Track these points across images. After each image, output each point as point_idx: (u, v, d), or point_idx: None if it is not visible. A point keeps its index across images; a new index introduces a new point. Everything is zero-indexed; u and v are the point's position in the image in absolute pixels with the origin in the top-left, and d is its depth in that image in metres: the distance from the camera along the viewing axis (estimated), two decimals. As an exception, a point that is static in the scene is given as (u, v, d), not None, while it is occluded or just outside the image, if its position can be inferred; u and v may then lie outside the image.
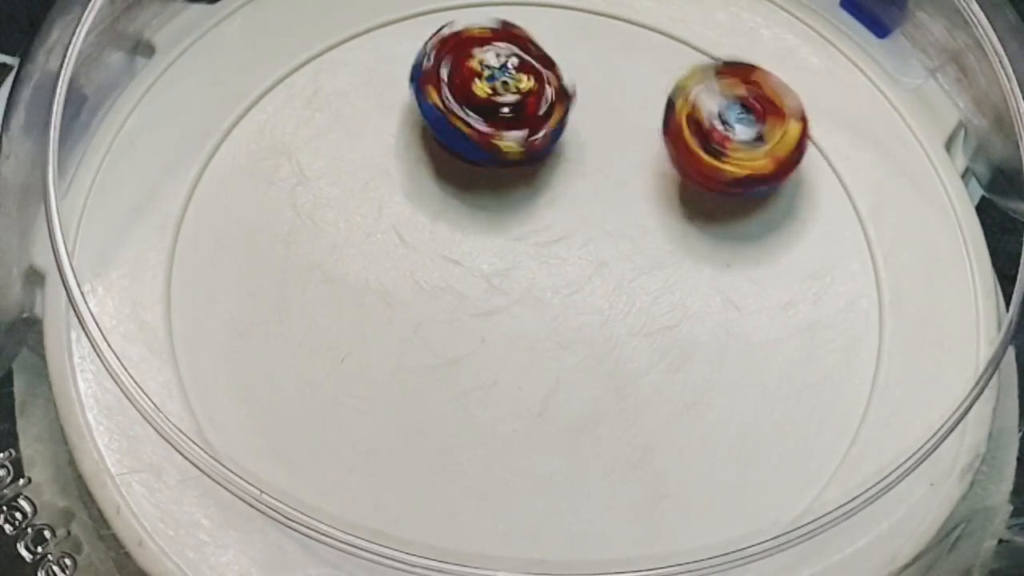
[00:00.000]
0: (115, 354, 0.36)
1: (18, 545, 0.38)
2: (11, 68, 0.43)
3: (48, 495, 0.40)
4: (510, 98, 0.41)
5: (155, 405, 0.36)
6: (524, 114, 0.42)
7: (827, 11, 0.47)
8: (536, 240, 0.43)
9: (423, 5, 0.45)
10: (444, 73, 0.42)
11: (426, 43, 0.42)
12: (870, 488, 0.36)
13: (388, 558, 0.35)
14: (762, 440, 0.40)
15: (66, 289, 0.38)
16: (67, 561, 0.38)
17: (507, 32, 0.43)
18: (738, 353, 0.42)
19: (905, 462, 0.37)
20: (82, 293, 0.38)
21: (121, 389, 0.36)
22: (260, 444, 0.39)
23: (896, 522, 0.38)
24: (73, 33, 0.40)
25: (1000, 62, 0.42)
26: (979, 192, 0.46)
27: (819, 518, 0.36)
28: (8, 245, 0.41)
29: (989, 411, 0.40)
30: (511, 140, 0.41)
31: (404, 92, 0.44)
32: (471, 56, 0.42)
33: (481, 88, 0.41)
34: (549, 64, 0.43)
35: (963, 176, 0.45)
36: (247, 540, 0.37)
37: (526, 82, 0.42)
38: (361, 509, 0.38)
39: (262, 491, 0.34)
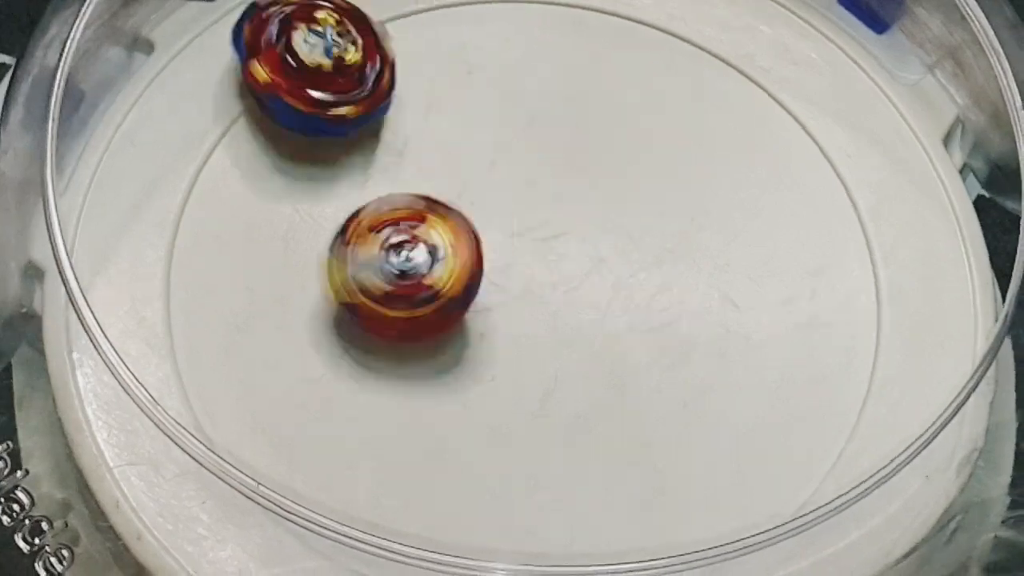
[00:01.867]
0: (114, 349, 0.36)
1: (16, 536, 0.38)
2: (10, 68, 0.43)
3: (46, 487, 0.40)
4: (326, 60, 0.41)
5: (153, 398, 0.36)
6: (335, 79, 0.41)
7: (825, 7, 0.47)
8: (534, 236, 0.43)
9: (419, 3, 0.45)
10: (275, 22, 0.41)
11: None
12: (865, 481, 0.36)
13: (386, 550, 0.34)
14: (760, 436, 0.40)
15: (65, 285, 0.38)
16: (64, 552, 0.38)
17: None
18: (737, 350, 0.42)
19: (900, 454, 0.37)
20: (81, 289, 0.38)
21: (120, 383, 0.36)
22: (259, 440, 0.39)
23: (892, 515, 0.38)
24: (71, 28, 0.40)
25: (997, 57, 0.42)
26: (977, 188, 0.46)
27: (814, 511, 0.36)
28: (7, 240, 0.41)
29: (986, 404, 0.40)
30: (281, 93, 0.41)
31: (400, 89, 0.44)
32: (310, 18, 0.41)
33: (299, 42, 0.41)
34: (389, 62, 0.42)
35: (961, 172, 0.45)
36: (245, 535, 0.37)
37: (352, 53, 0.41)
38: (359, 505, 0.38)
39: (259, 483, 0.34)
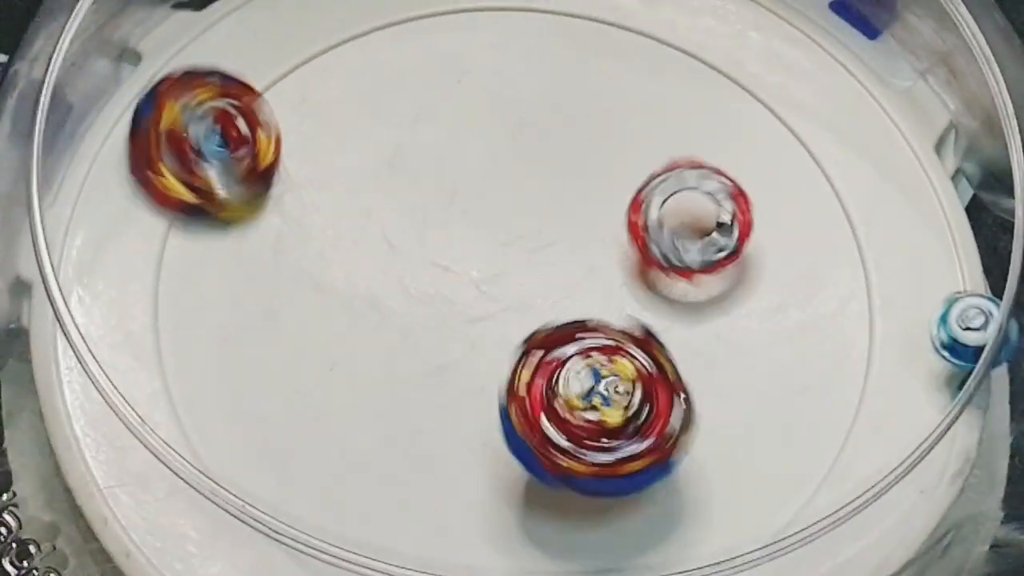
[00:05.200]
0: (100, 366, 0.36)
1: (3, 560, 0.38)
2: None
3: (33, 509, 0.40)
4: (594, 416, 0.35)
5: (140, 417, 0.36)
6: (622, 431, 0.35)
7: (816, 13, 0.47)
8: (525, 246, 0.43)
9: (409, 11, 0.45)
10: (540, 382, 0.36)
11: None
12: (859, 496, 0.36)
13: (377, 571, 0.34)
14: (752, 445, 0.40)
15: (51, 301, 0.37)
16: (53, 576, 0.39)
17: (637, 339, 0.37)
18: (728, 357, 0.41)
19: (895, 469, 0.36)
20: (67, 305, 0.37)
21: (106, 401, 0.36)
22: (248, 454, 0.39)
23: (886, 529, 0.38)
24: (57, 42, 0.40)
25: (988, 63, 0.42)
26: (969, 193, 0.46)
27: (808, 527, 0.36)
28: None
29: (979, 417, 0.40)
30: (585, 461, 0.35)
31: (390, 98, 0.44)
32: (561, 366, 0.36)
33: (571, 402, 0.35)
34: (669, 387, 0.36)
35: (954, 177, 0.45)
36: (235, 552, 0.37)
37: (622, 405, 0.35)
38: (350, 519, 0.38)
39: (246, 503, 0.34)
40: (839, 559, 0.37)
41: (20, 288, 0.41)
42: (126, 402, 0.36)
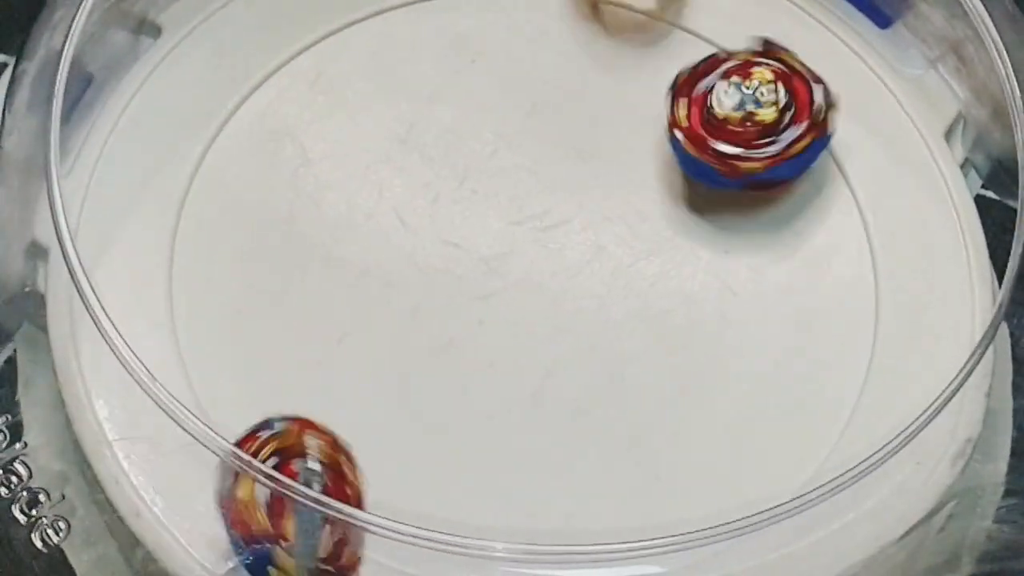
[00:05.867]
0: (114, 326, 0.37)
1: (13, 508, 0.39)
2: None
3: (44, 459, 0.40)
4: (752, 120, 0.41)
5: (151, 374, 0.36)
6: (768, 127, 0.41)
7: (829, 1, 0.47)
8: (535, 224, 0.43)
9: (427, -11, 0.45)
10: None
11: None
12: (858, 465, 0.36)
13: (381, 527, 0.35)
14: (757, 423, 0.40)
15: (67, 263, 0.38)
16: (61, 524, 0.39)
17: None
18: (734, 338, 0.42)
19: (894, 440, 0.36)
20: (83, 267, 0.38)
21: (119, 359, 0.36)
22: (257, 420, 0.39)
23: (885, 500, 0.38)
24: (76, 10, 0.41)
25: (997, 52, 0.42)
26: (978, 182, 0.46)
27: (803, 495, 0.36)
28: (10, 218, 0.41)
29: (981, 394, 0.40)
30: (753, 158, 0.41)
31: (404, 77, 0.45)
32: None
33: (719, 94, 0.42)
34: (818, 132, 0.42)
35: (962, 167, 0.45)
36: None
37: (766, 113, 0.41)
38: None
39: (252, 457, 0.34)
40: (835, 527, 0.37)
41: (36, 252, 0.42)
42: (136, 357, 0.36)
